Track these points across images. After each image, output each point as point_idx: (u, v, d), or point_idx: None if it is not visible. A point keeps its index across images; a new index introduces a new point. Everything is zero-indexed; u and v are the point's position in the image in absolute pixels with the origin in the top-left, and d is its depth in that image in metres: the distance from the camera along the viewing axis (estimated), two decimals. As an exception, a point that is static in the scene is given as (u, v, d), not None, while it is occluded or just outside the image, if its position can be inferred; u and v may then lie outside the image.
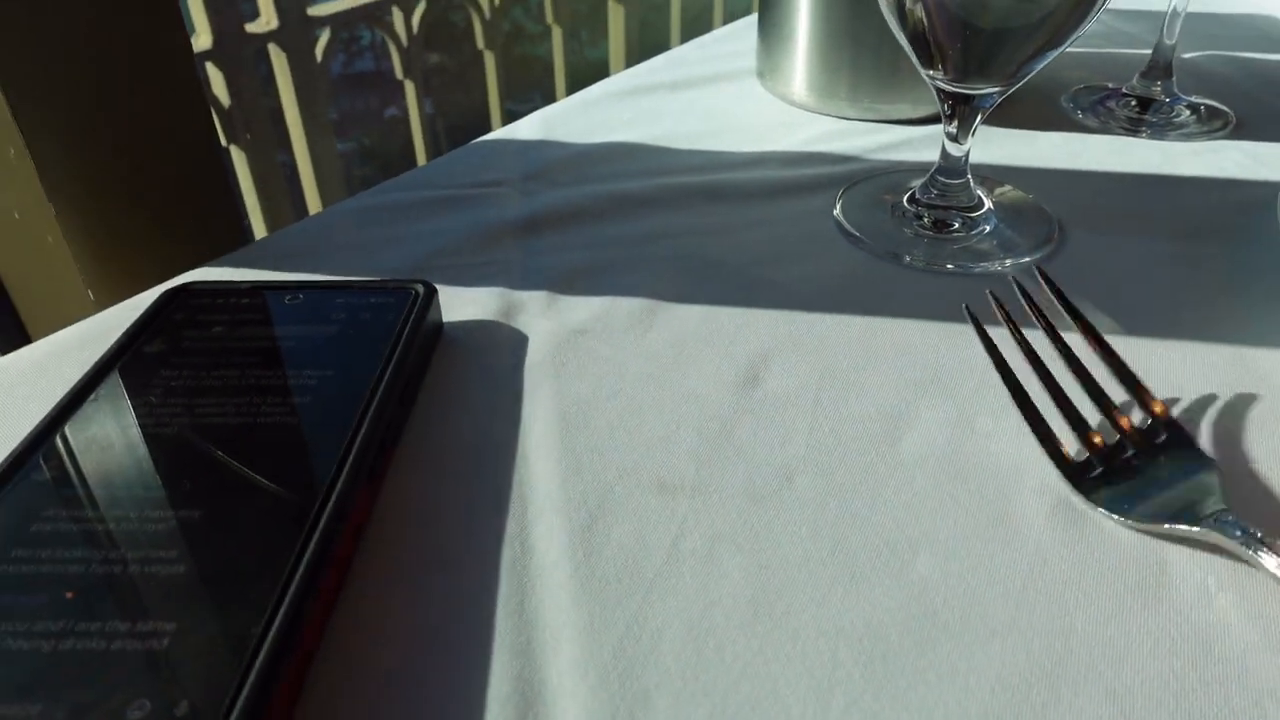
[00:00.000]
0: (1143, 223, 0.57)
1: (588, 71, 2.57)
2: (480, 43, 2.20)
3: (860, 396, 0.42)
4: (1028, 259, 0.52)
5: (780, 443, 0.39)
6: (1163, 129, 0.70)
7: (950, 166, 0.55)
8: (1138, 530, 0.34)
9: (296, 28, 1.77)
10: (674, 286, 0.51)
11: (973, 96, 0.51)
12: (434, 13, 2.06)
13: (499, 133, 0.71)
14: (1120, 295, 0.49)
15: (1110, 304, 0.48)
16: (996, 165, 0.64)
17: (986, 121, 0.71)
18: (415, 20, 2.02)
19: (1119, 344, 0.45)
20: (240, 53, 1.68)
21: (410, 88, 2.08)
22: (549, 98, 0.80)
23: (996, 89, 0.51)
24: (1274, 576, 0.30)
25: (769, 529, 0.35)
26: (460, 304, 0.49)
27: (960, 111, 0.52)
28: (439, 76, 2.38)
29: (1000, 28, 0.48)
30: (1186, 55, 0.87)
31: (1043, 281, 0.44)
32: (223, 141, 1.72)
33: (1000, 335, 0.42)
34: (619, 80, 0.80)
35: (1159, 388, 0.41)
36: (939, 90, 0.52)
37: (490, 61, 2.21)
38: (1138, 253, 0.54)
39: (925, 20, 0.48)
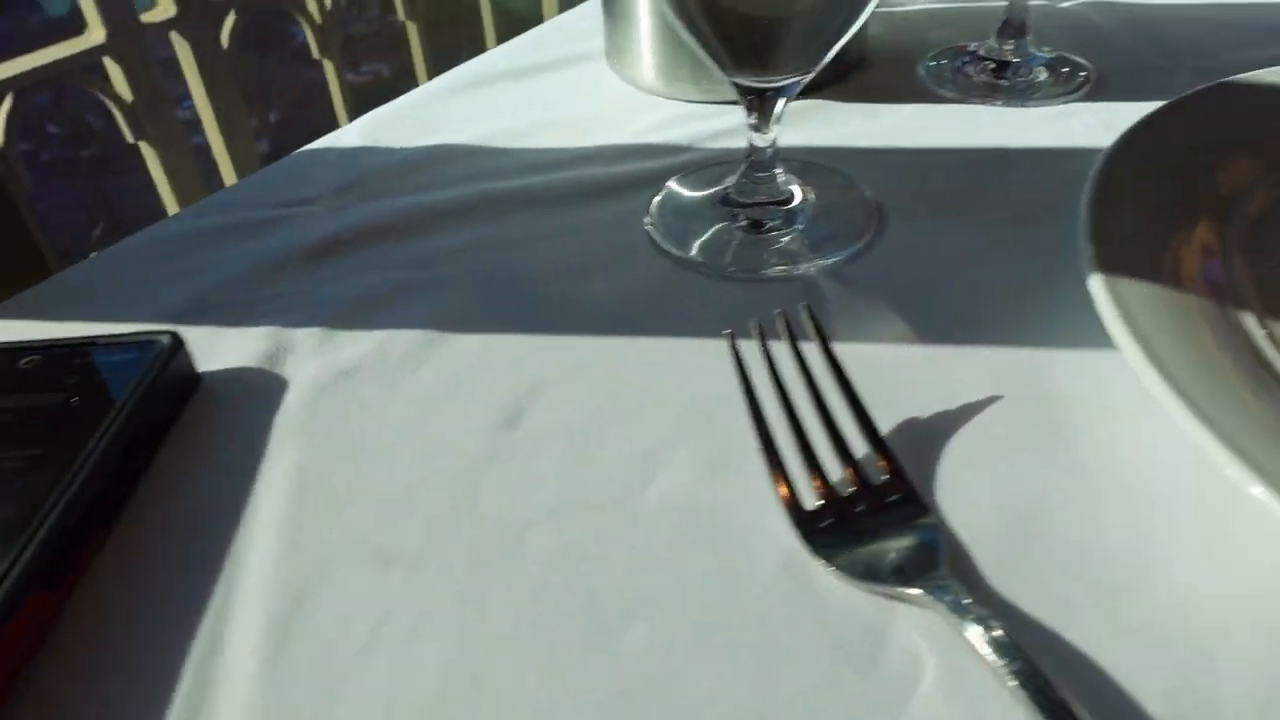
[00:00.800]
0: (971, 206, 0.54)
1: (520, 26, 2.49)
2: (401, 14, 2.13)
3: (624, 434, 0.40)
4: (835, 259, 0.50)
5: (523, 495, 0.37)
6: (1021, 93, 0.67)
7: (759, 160, 0.52)
8: (862, 590, 0.32)
9: (198, 14, 1.71)
10: (462, 311, 0.48)
11: (765, 89, 0.48)
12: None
13: (324, 140, 0.67)
14: (920, 297, 0.47)
15: (908, 308, 0.46)
16: (831, 148, 0.61)
17: (834, 96, 0.68)
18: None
19: (904, 353, 0.43)
20: (138, 44, 1.61)
21: (329, 66, 2.02)
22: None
23: (793, 78, 0.47)
24: (975, 649, 0.28)
25: (481, 602, 0.33)
26: (226, 349, 0.46)
27: (757, 103, 0.49)
28: (360, 45, 2.31)
29: (775, 17, 0.44)
30: (1063, 3, 0.83)
31: (807, 318, 0.41)
32: (129, 138, 1.67)
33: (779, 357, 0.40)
34: (462, 71, 0.76)
35: (922, 414, 0.39)
36: (732, 83, 0.48)
37: (413, 30, 2.14)
38: (956, 243, 0.51)
39: (701, 15, 0.45)
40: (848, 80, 0.71)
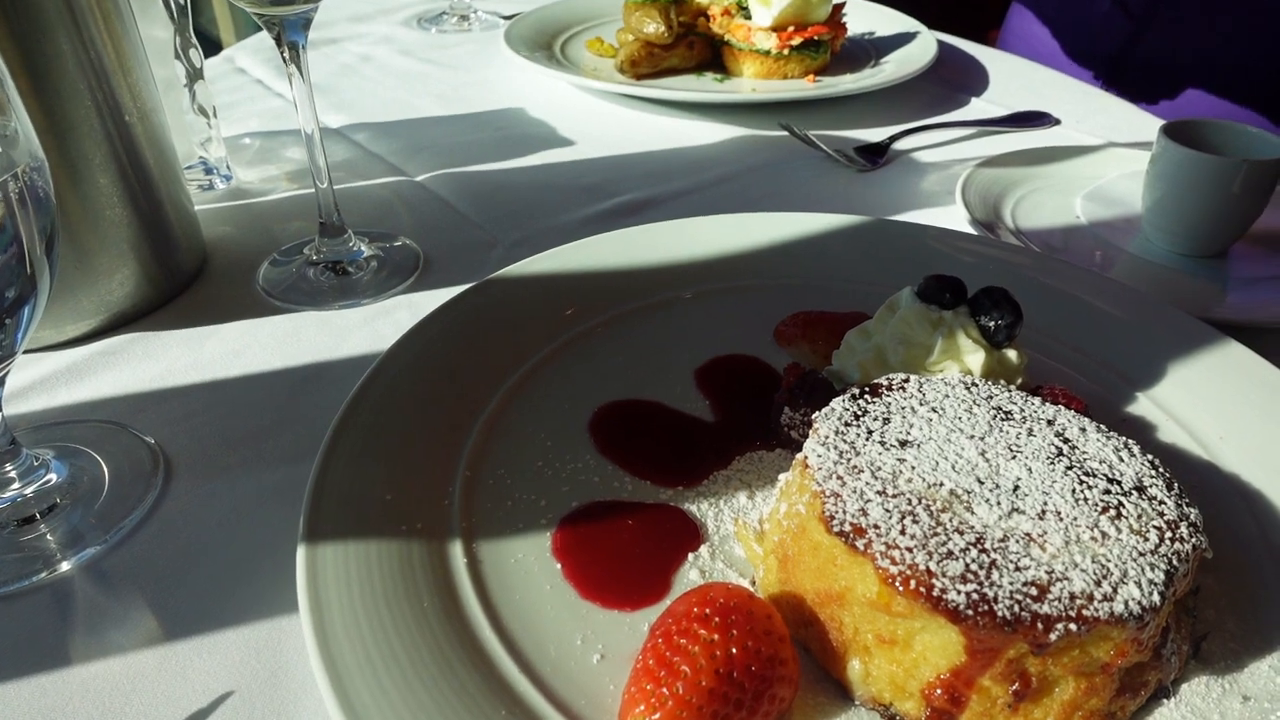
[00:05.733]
0: (263, 445, 0.56)
1: None
2: None
3: None
4: (96, 550, 0.47)
5: None
6: (357, 291, 0.71)
7: None
8: None
9: None
10: None
11: None
12: None
13: None
14: (177, 578, 0.46)
15: (162, 598, 0.45)
16: (132, 395, 0.59)
17: (160, 323, 0.66)
18: None
19: (140, 661, 0.42)
20: None
21: None
22: None
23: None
24: None
25: None
26: None
27: None
28: None
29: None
30: (419, 177, 0.91)
31: None
32: None
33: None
34: None
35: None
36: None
37: None
38: (233, 496, 0.52)
39: None
40: (184, 297, 0.70)
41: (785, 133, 1.03)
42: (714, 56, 1.23)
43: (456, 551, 0.46)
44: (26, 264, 0.44)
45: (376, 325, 0.68)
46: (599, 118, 1.09)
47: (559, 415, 0.56)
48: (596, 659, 0.41)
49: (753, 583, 0.45)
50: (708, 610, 0.38)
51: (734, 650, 0.36)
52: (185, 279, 0.71)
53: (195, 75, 0.84)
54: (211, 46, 1.11)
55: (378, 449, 0.51)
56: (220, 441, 0.55)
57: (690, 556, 0.47)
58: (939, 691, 0.37)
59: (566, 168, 0.96)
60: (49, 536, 0.48)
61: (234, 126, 0.99)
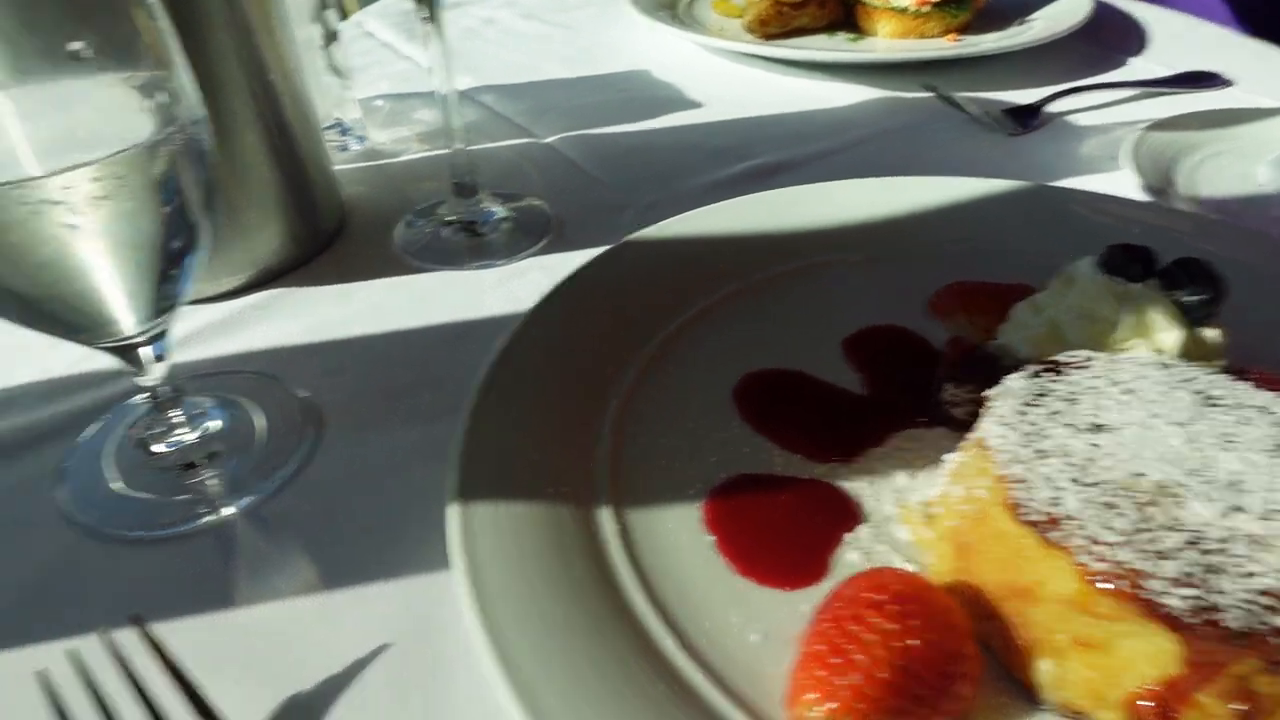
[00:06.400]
0: (413, 401, 0.56)
1: None
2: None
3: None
4: (255, 497, 0.48)
5: None
6: (490, 253, 0.70)
7: (163, 400, 0.50)
8: None
9: None
10: None
11: (121, 346, 0.45)
12: None
13: None
14: (332, 531, 0.47)
15: (317, 549, 0.46)
16: (285, 347, 0.60)
17: (306, 279, 0.67)
18: None
19: (300, 608, 0.43)
20: None
21: None
22: None
23: (143, 334, 0.46)
24: None
25: None
26: None
27: (125, 355, 0.46)
28: None
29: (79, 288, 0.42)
30: (547, 139, 0.90)
31: (140, 637, 0.39)
32: None
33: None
34: None
35: (305, 685, 0.39)
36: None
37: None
38: (383, 450, 0.52)
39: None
40: (325, 255, 0.71)
41: (925, 94, 0.97)
42: (846, 15, 1.17)
43: (606, 517, 0.44)
44: (190, 216, 0.44)
45: (511, 286, 0.67)
46: (727, 79, 1.05)
47: (703, 382, 0.54)
48: (755, 638, 0.39)
49: (921, 570, 0.42)
50: (883, 598, 0.35)
51: (913, 642, 0.34)
52: (326, 238, 0.72)
53: (331, 37, 0.85)
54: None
55: (522, 411, 0.50)
56: (368, 396, 0.56)
57: (847, 537, 0.45)
58: (1147, 704, 0.33)
59: (695, 130, 0.93)
60: (210, 482, 0.49)
61: (365, 89, 1.00)
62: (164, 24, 0.41)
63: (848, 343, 0.58)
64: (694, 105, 0.98)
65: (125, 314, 0.43)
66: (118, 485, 0.49)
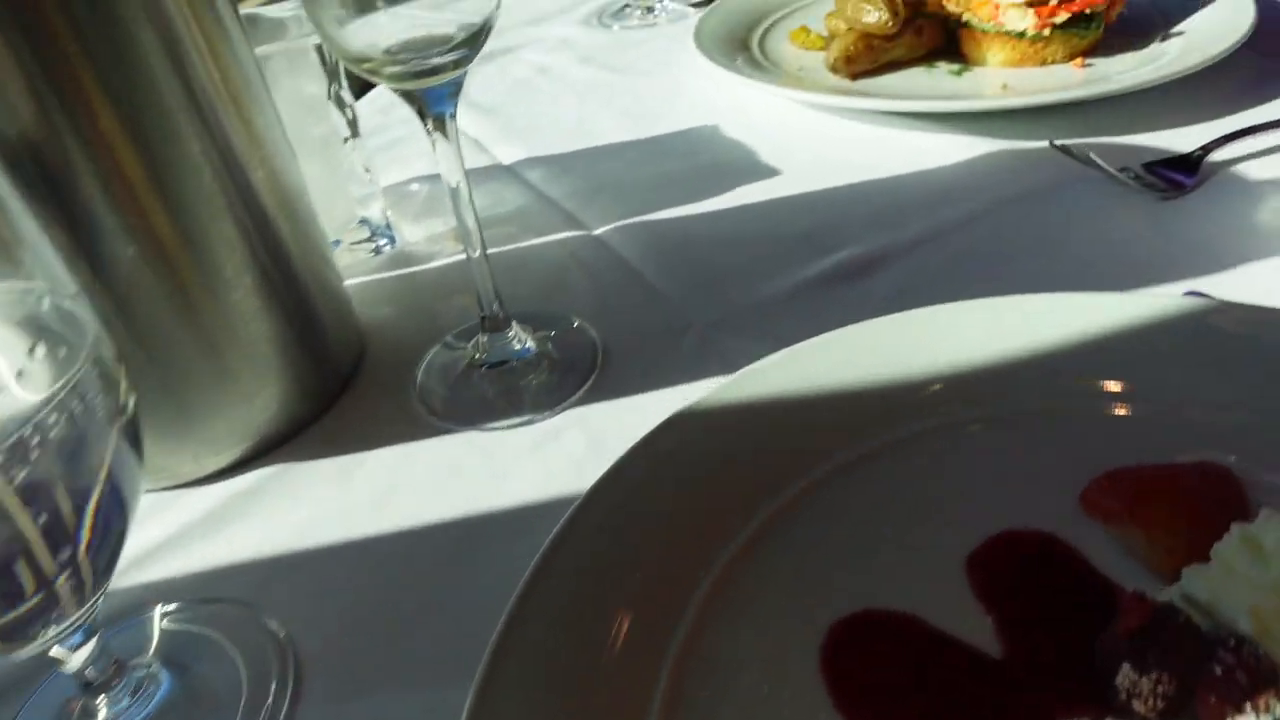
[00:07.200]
0: (401, 646, 0.45)
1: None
2: None
3: None
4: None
5: None
6: (516, 405, 0.59)
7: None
8: None
9: None
10: None
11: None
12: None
13: None
14: None
15: None
16: (262, 560, 0.50)
17: (306, 449, 0.58)
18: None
19: None
20: None
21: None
22: None
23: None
24: None
25: None
26: None
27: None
28: None
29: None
30: (597, 230, 0.78)
31: None
32: None
33: None
34: None
35: None
36: None
37: None
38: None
39: None
40: (335, 408, 0.61)
41: (1047, 145, 0.80)
42: (948, 41, 1.00)
43: None
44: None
45: (546, 453, 0.55)
46: (808, 135, 0.90)
47: (776, 635, 0.41)
48: None
49: None
50: None
51: None
52: (339, 384, 0.62)
53: (353, 128, 0.75)
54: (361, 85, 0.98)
55: (542, 687, 0.38)
56: (360, 633, 0.45)
57: None
58: None
59: (771, 208, 0.79)
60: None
61: (397, 170, 0.90)
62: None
63: (973, 562, 0.43)
64: (770, 173, 0.84)
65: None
66: None
